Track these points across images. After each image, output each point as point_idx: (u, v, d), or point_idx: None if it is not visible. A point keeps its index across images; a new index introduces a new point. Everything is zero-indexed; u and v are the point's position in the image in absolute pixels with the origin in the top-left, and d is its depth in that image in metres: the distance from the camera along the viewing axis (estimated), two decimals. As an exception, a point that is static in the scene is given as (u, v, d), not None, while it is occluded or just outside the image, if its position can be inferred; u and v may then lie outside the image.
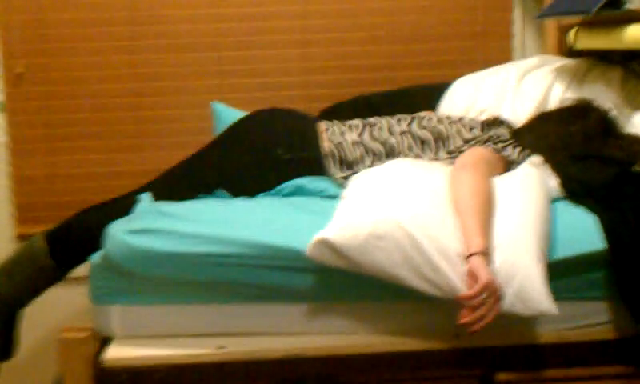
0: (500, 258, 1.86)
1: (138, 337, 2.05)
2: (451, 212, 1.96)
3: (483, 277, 1.78)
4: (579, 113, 2.36)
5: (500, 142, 2.28)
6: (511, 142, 2.30)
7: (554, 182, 2.19)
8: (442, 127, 2.38)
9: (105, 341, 2.06)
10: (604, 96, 2.50)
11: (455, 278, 1.85)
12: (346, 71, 3.11)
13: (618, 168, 2.16)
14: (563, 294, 1.95)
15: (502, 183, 2.09)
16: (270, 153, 2.32)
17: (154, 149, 3.10)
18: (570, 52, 2.84)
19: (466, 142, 2.33)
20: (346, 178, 2.30)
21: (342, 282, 1.99)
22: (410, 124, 2.40)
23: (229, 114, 2.73)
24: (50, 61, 3.04)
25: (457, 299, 1.83)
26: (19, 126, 3.07)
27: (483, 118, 2.57)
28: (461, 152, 2.29)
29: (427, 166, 2.22)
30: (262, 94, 3.08)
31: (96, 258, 2.06)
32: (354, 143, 2.35)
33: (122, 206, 2.23)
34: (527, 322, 2.01)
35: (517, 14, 3.13)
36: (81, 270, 2.18)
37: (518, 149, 2.28)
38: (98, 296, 2.05)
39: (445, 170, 2.17)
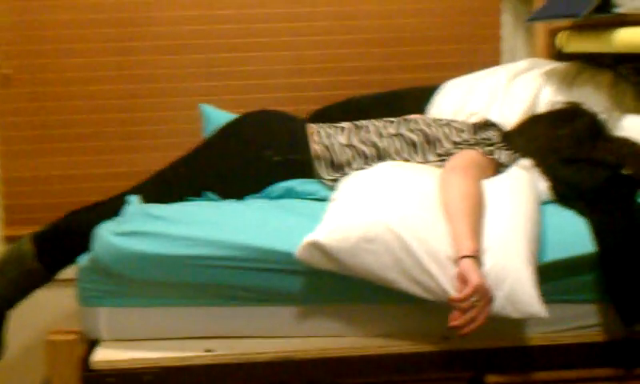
0: (490, 261, 1.86)
1: (126, 339, 2.04)
2: (441, 215, 1.96)
3: (473, 279, 1.78)
4: (569, 116, 2.36)
5: (490, 144, 2.28)
6: (501, 144, 2.30)
7: (543, 185, 2.19)
8: (431, 130, 2.38)
9: (93, 343, 2.05)
10: (593, 99, 2.51)
11: (445, 280, 1.84)
12: (335, 74, 3.12)
13: (608, 171, 2.16)
14: (553, 296, 1.95)
15: (492, 186, 2.09)
16: (259, 155, 2.31)
17: (143, 150, 3.10)
18: (559, 55, 2.84)
19: (456, 144, 2.33)
20: (335, 180, 2.29)
21: (331, 284, 1.99)
22: (399, 127, 2.39)
23: (217, 116, 2.73)
24: (38, 62, 3.04)
25: (447, 302, 1.82)
26: (7, 128, 3.06)
27: (473, 120, 2.56)
28: (450, 155, 2.28)
29: (417, 169, 2.22)
30: (251, 96, 3.08)
31: (84, 260, 2.05)
32: (343, 146, 2.34)
33: (111, 208, 2.21)
34: (517, 324, 2.01)
35: (506, 18, 3.14)
36: (69, 272, 2.17)
37: (508, 152, 2.28)
38: (86, 298, 2.04)
39: (434, 172, 2.16)
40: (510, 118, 2.56)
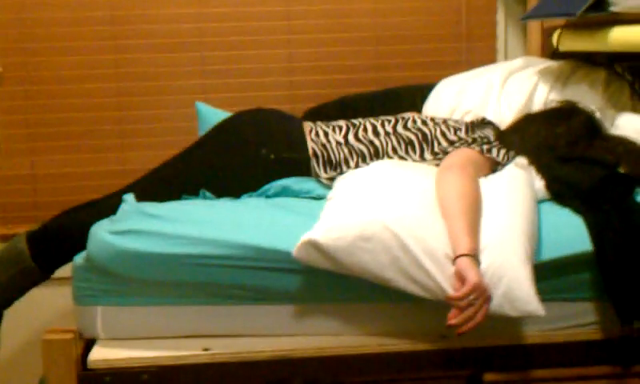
0: (487, 260, 1.86)
1: (123, 338, 2.04)
2: (438, 213, 1.96)
3: (471, 278, 1.78)
4: (564, 114, 2.37)
5: (486, 143, 2.28)
6: (497, 143, 2.30)
7: (539, 184, 2.19)
8: (426, 129, 2.38)
9: (89, 342, 2.05)
10: (588, 98, 2.52)
11: (443, 279, 1.84)
12: (330, 72, 3.11)
13: (604, 170, 2.16)
14: (550, 294, 1.95)
15: (489, 185, 2.09)
16: (255, 153, 2.31)
17: (138, 148, 3.09)
18: (553, 54, 2.84)
19: (451, 143, 2.33)
20: (331, 178, 2.29)
21: (328, 283, 1.99)
22: (394, 125, 2.39)
23: (213, 114, 2.71)
24: (32, 60, 3.03)
25: (446, 300, 1.82)
26: (0, 126, 3.03)
27: (468, 119, 2.57)
28: (446, 153, 2.29)
29: (413, 167, 2.22)
30: (245, 95, 3.07)
31: (79, 259, 2.04)
32: (339, 144, 2.34)
33: (106, 206, 2.20)
34: (514, 322, 2.01)
35: (500, 16, 3.14)
36: (65, 271, 2.16)
37: (504, 150, 2.28)
38: (82, 297, 2.03)
39: (431, 171, 2.17)
40: (505, 116, 2.56)
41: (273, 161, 2.30)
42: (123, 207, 2.14)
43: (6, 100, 3.03)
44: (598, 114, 2.39)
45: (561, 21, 2.68)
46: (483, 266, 1.85)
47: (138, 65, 3.05)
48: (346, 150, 2.33)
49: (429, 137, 2.35)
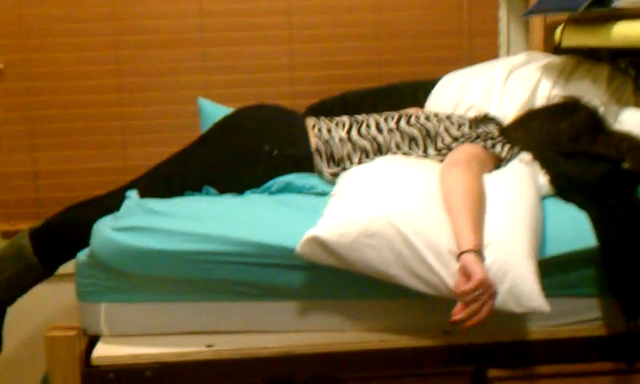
0: (492, 256, 1.85)
1: (126, 335, 2.04)
2: (442, 209, 1.95)
3: (478, 273, 1.78)
4: (568, 110, 2.36)
5: (489, 139, 2.28)
6: (500, 139, 2.30)
7: (543, 180, 2.18)
8: (430, 124, 2.37)
9: (93, 339, 2.04)
10: (591, 93, 2.51)
11: (447, 275, 1.84)
12: (332, 67, 3.11)
13: (608, 165, 2.16)
14: (554, 290, 1.95)
15: (493, 180, 2.09)
16: (258, 149, 2.30)
17: (139, 145, 3.09)
18: (555, 49, 2.84)
19: (455, 139, 2.33)
20: (335, 174, 2.29)
21: (332, 279, 1.99)
22: (398, 121, 2.39)
23: (215, 110, 2.71)
24: (32, 56, 3.02)
25: (452, 295, 1.82)
26: (1, 122, 3.04)
27: (471, 114, 2.57)
28: (450, 149, 2.28)
29: (417, 163, 2.22)
30: (247, 91, 3.07)
31: (82, 255, 2.04)
32: (342, 140, 2.33)
33: (109, 203, 2.20)
34: (518, 318, 2.01)
35: (503, 12, 3.14)
36: (68, 267, 2.16)
37: (508, 146, 2.27)
38: (85, 294, 2.03)
39: (435, 166, 2.16)
40: (508, 112, 2.56)
41: (276, 157, 2.30)
42: (126, 203, 2.14)
43: (8, 96, 3.03)
44: (601, 110, 2.39)
45: (563, 16, 2.67)
46: (488, 261, 1.84)
47: (139, 61, 3.05)
48: (349, 146, 2.32)
49: (432, 133, 2.35)
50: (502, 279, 1.83)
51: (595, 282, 2.01)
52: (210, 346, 1.99)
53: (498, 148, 2.25)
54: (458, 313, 1.80)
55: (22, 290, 2.23)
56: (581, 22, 2.58)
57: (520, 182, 2.09)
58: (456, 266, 1.84)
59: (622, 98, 2.55)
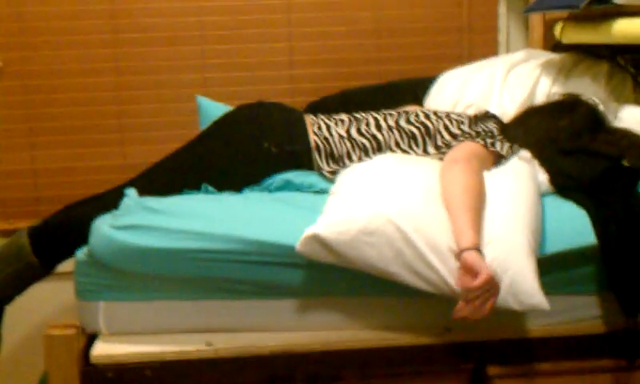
0: (492, 253, 1.85)
1: (125, 333, 2.03)
2: (442, 207, 1.95)
3: (485, 271, 1.77)
4: (567, 107, 2.36)
5: (489, 136, 2.27)
6: (500, 136, 2.30)
7: (543, 177, 2.18)
8: (429, 122, 2.37)
9: (92, 337, 2.04)
10: (590, 90, 2.51)
11: (447, 272, 1.84)
12: (331, 65, 3.10)
13: (607, 163, 2.16)
14: (554, 288, 1.95)
15: (493, 178, 2.08)
16: (257, 147, 2.30)
17: (137, 143, 3.08)
18: (555, 46, 2.84)
19: (455, 137, 2.32)
20: (334, 172, 2.29)
21: (332, 277, 1.98)
22: (397, 119, 2.38)
23: (214, 108, 2.71)
24: (30, 54, 3.01)
25: (451, 293, 1.82)
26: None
27: (470, 112, 2.56)
28: (449, 147, 2.28)
29: (417, 161, 2.22)
30: (246, 88, 3.07)
31: (81, 254, 2.03)
32: (341, 138, 2.33)
33: (108, 201, 2.19)
34: (518, 316, 2.00)
35: (502, 9, 3.13)
36: (67, 266, 2.15)
37: (507, 144, 2.27)
38: (84, 292, 2.03)
39: (434, 164, 2.16)
40: (507, 109, 2.55)
41: (275, 154, 2.29)
42: (125, 202, 2.13)
43: (6, 95, 3.02)
44: (601, 107, 2.38)
45: (563, 13, 2.67)
46: (488, 259, 1.84)
47: (138, 58, 3.04)
48: (348, 144, 2.32)
49: (432, 130, 2.34)
50: (502, 277, 1.83)
51: (595, 279, 2.01)
52: (209, 344, 1.99)
53: (498, 145, 2.24)
54: (461, 309, 1.80)
55: (20, 289, 2.22)
56: (580, 19, 2.58)
57: (520, 179, 2.08)
58: (455, 263, 1.83)
59: (622, 95, 2.55)
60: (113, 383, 1.97)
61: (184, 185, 2.26)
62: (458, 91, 2.69)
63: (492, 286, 1.79)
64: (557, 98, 2.45)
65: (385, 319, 2.03)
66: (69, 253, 2.12)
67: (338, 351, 2.00)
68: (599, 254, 1.98)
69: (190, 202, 2.15)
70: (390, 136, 2.33)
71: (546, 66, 2.64)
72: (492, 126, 2.36)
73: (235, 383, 2.00)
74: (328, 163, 2.31)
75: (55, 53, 3.01)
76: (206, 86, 3.05)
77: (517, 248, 1.86)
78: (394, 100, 2.69)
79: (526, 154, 2.24)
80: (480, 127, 2.34)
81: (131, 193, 2.18)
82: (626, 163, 2.16)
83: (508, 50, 3.11)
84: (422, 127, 2.35)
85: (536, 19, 3.01)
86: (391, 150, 2.32)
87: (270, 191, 2.26)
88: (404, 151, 2.32)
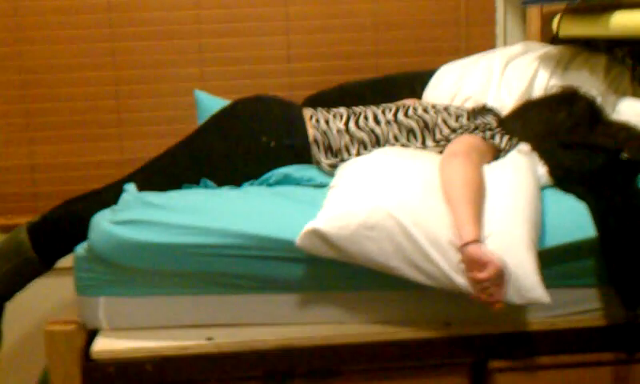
0: (492, 247, 1.85)
1: (126, 329, 2.03)
2: (442, 200, 1.95)
3: (497, 261, 1.79)
4: (566, 100, 2.36)
5: (488, 129, 2.27)
6: (499, 130, 2.30)
7: (542, 170, 2.18)
8: (428, 116, 2.37)
9: (92, 333, 2.04)
10: (588, 83, 2.51)
11: (447, 266, 1.84)
12: (329, 58, 3.10)
13: (606, 155, 2.16)
14: (554, 281, 1.95)
15: (492, 171, 2.08)
16: (255, 140, 2.30)
17: (136, 137, 3.08)
18: (552, 39, 2.83)
19: (453, 130, 2.32)
20: (333, 165, 2.28)
21: (332, 271, 1.98)
22: (395, 113, 2.38)
23: (212, 102, 2.70)
24: (27, 49, 3.01)
25: (451, 286, 1.82)
26: (-3, 116, 3.03)
27: (468, 105, 2.56)
28: (448, 140, 2.28)
29: (416, 155, 2.21)
30: (244, 82, 3.06)
31: (80, 249, 2.03)
32: (340, 132, 2.33)
33: (107, 196, 2.20)
34: (519, 309, 2.01)
35: (500, 1, 3.13)
36: (67, 261, 2.15)
37: (507, 137, 2.27)
38: (84, 288, 2.03)
39: (434, 158, 2.16)
40: (505, 102, 2.55)
41: (273, 148, 2.29)
42: (124, 197, 2.13)
43: (3, 89, 3.02)
44: (599, 100, 2.38)
45: (560, 6, 2.67)
46: (488, 252, 1.85)
47: (135, 53, 3.04)
48: (346, 138, 2.32)
49: (430, 124, 2.34)
50: (502, 270, 1.83)
51: (594, 272, 2.01)
52: (209, 339, 1.99)
53: (497, 139, 2.24)
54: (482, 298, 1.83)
55: (20, 285, 2.22)
56: (578, 11, 2.58)
57: (519, 173, 2.08)
58: (456, 256, 1.84)
59: (620, 87, 2.55)
60: (114, 378, 1.97)
61: (183, 180, 2.26)
62: (455, 84, 2.69)
63: (501, 275, 1.80)
64: (555, 90, 2.45)
65: (385, 313, 2.03)
66: (68, 248, 2.12)
67: (338, 345, 2.00)
68: (599, 246, 1.98)
69: (190, 196, 2.15)
70: (388, 129, 2.33)
71: (544, 59, 2.63)
72: (490, 119, 2.35)
73: (235, 378, 2.00)
74: (327, 157, 2.30)
75: (52, 47, 3.01)
76: (204, 80, 3.04)
77: (517, 241, 1.86)
78: (392, 93, 2.69)
79: (525, 146, 2.24)
80: (478, 120, 2.34)
81: (130, 188, 2.18)
82: (624, 156, 2.16)
83: (505, 43, 3.10)
84: (420, 120, 2.35)
85: (533, 12, 3.00)
86: (389, 143, 2.32)
87: (270, 185, 2.26)
88: (402, 145, 2.32)
